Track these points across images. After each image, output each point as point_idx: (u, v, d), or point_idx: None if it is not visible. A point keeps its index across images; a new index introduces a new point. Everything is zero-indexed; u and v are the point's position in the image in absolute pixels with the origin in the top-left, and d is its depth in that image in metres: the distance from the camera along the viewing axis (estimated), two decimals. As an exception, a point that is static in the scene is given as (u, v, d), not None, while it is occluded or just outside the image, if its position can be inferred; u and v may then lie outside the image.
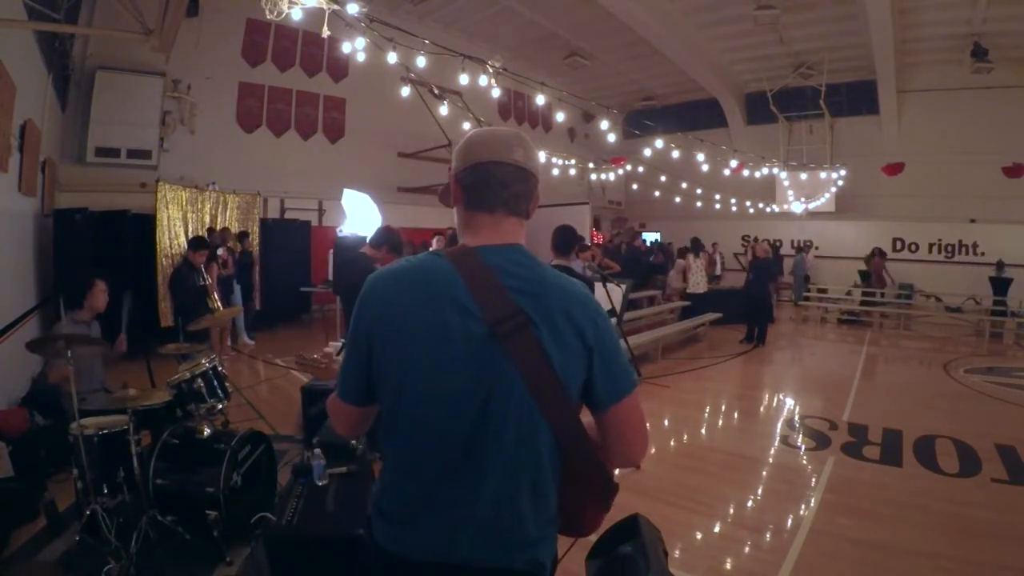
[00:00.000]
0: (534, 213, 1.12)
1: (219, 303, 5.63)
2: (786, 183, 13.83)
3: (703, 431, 5.17)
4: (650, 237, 15.92)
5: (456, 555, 0.99)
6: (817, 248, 14.40)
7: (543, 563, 1.04)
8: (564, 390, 0.98)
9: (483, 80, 6.38)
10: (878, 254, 12.07)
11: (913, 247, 13.41)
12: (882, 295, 12.00)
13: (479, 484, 0.98)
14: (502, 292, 0.98)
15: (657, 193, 14.21)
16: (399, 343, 1.00)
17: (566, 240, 3.47)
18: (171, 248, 7.54)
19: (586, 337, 0.99)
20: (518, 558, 1.01)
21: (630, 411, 1.06)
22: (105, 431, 2.69)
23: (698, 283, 10.45)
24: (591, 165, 13.09)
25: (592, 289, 3.37)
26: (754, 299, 8.97)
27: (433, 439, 1.00)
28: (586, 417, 1.07)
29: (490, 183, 1.05)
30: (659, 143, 10.29)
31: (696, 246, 11.31)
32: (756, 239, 14.16)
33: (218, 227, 8.32)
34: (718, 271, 14.06)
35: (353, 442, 2.65)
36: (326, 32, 5.01)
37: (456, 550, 0.99)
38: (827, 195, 13.71)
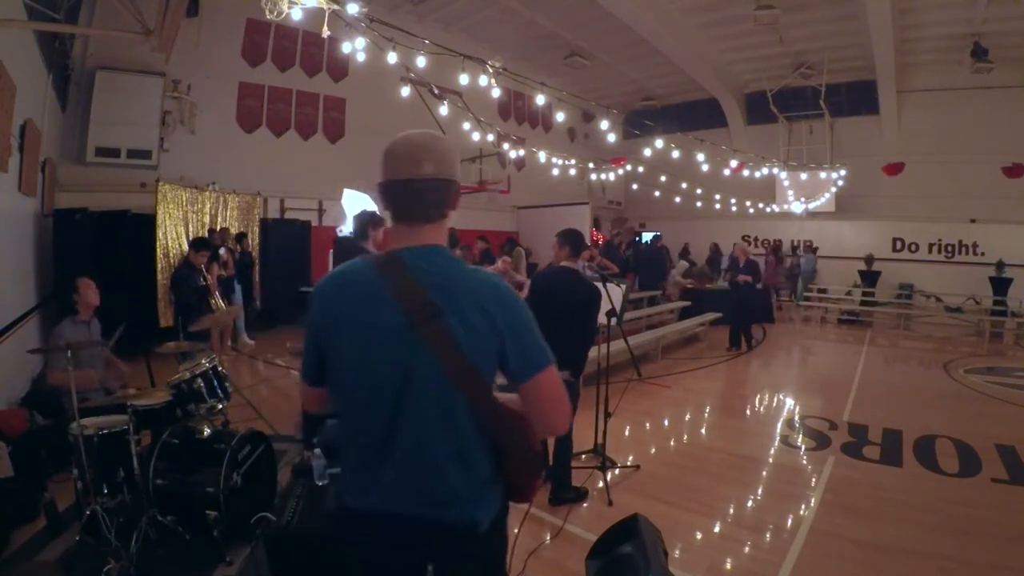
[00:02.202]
0: (457, 206, 1.26)
1: (220, 303, 5.64)
2: (786, 183, 13.81)
3: (703, 431, 5.16)
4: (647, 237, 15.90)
5: (398, 509, 1.17)
6: (817, 248, 14.39)
7: (478, 520, 1.17)
8: (474, 369, 1.12)
9: (483, 80, 6.37)
10: (771, 251, 12.56)
11: (913, 247, 13.39)
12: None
13: (406, 451, 1.15)
14: (417, 288, 1.13)
15: (657, 193, 14.19)
16: (335, 334, 1.19)
17: (574, 244, 3.50)
18: (171, 248, 7.54)
19: (496, 321, 1.13)
20: (451, 515, 1.16)
21: (545, 385, 1.18)
22: (105, 431, 2.69)
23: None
24: (591, 165, 13.06)
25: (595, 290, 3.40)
26: (744, 301, 8.50)
27: (364, 414, 1.19)
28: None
29: (404, 199, 1.20)
30: (659, 143, 10.26)
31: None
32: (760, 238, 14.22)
33: (218, 227, 8.32)
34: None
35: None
36: (326, 32, 5.00)
37: (397, 506, 1.17)
38: (827, 195, 13.69)
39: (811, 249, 14.18)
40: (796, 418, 5.30)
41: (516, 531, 3.15)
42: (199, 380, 3.06)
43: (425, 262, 1.16)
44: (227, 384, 3.27)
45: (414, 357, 1.11)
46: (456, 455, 1.15)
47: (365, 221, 3.79)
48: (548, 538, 3.04)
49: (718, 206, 14.05)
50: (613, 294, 3.55)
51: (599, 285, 3.56)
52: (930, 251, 13.16)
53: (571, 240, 3.49)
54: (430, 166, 1.17)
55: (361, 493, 1.21)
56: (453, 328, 1.10)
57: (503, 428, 1.17)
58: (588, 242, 9.65)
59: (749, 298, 8.57)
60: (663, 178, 12.86)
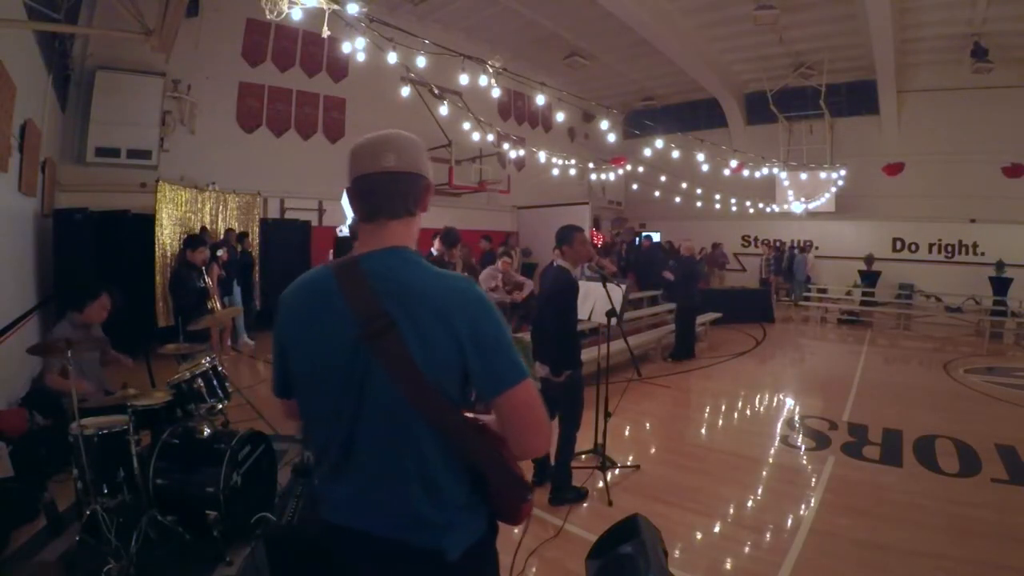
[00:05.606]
0: (427, 204, 1.19)
1: (218, 304, 5.63)
2: (786, 183, 13.82)
3: (703, 431, 5.17)
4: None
5: (360, 524, 1.11)
6: (817, 248, 14.39)
7: (443, 547, 1.07)
8: (432, 386, 1.03)
9: (483, 80, 6.38)
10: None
11: (913, 247, 13.39)
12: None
13: (363, 470, 1.09)
14: (371, 297, 1.05)
15: (657, 193, 14.21)
16: (294, 347, 1.16)
17: (558, 240, 3.49)
18: (170, 248, 7.54)
19: (457, 332, 1.03)
20: (417, 537, 1.08)
21: (517, 403, 1.08)
22: (105, 431, 2.68)
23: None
24: (591, 165, 13.08)
25: (576, 289, 3.38)
26: (680, 309, 7.69)
27: (324, 430, 1.13)
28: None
29: (365, 195, 1.13)
30: (659, 143, 10.29)
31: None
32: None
33: (218, 227, 8.31)
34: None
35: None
36: (326, 32, 5.01)
37: (359, 521, 1.11)
38: (827, 195, 13.71)
39: (802, 249, 14.12)
40: (796, 418, 5.30)
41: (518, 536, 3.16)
42: (199, 380, 3.07)
43: (384, 267, 1.08)
44: (227, 384, 3.27)
45: (367, 373, 1.04)
46: (418, 477, 1.06)
47: (357, 226, 3.79)
48: (548, 538, 3.04)
49: (718, 206, 14.07)
50: (613, 294, 3.55)
51: (598, 284, 3.56)
52: (930, 251, 13.16)
53: (558, 237, 3.49)
54: (392, 158, 1.11)
55: (325, 504, 1.17)
56: (407, 341, 1.01)
57: (473, 450, 1.08)
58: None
59: (681, 297, 7.69)
60: (663, 178, 12.88)
